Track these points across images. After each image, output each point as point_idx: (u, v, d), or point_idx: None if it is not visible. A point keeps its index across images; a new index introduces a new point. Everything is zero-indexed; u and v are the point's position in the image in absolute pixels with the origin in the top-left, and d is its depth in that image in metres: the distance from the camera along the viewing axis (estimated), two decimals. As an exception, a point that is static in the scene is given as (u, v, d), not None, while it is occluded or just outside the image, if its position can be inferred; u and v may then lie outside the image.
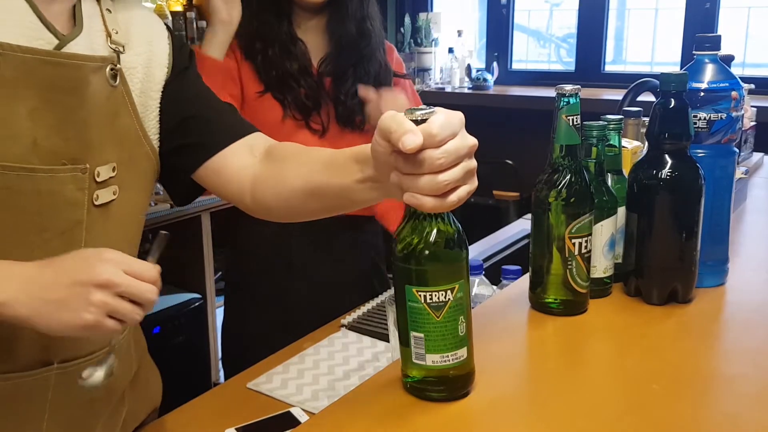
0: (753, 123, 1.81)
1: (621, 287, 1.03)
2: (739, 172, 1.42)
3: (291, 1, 1.44)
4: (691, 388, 0.79)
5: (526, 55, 3.89)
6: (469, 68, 3.56)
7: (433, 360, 0.72)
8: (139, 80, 0.91)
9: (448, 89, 3.57)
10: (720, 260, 1.06)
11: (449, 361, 0.72)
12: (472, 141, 0.67)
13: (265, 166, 0.93)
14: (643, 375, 0.80)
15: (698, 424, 0.72)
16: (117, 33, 0.89)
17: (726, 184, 1.04)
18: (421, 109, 0.65)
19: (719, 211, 1.04)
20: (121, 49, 0.89)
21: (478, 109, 2.80)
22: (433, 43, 3.70)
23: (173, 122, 0.95)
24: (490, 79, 3.50)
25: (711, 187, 0.98)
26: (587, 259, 0.94)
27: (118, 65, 0.88)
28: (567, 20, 3.80)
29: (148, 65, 0.93)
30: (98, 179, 0.85)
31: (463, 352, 0.73)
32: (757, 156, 1.93)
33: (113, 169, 0.87)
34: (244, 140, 0.97)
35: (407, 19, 3.70)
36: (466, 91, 3.51)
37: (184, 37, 3.03)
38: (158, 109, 0.94)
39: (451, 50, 3.64)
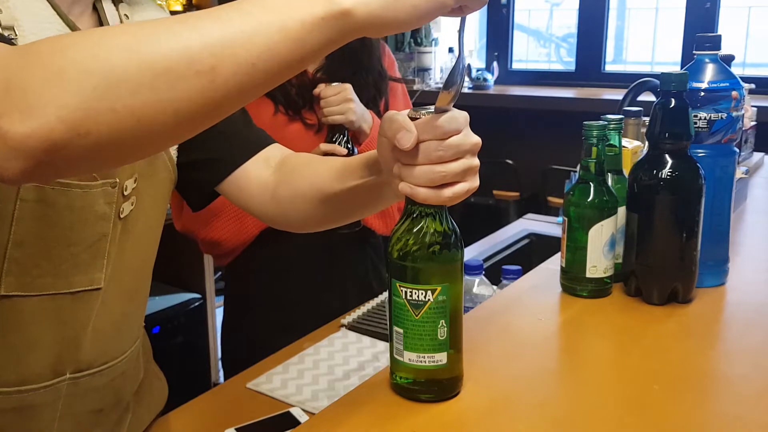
0: (753, 123, 1.80)
1: (621, 287, 1.02)
2: (739, 172, 1.42)
3: None
4: (691, 388, 0.78)
5: (526, 54, 3.89)
6: (469, 68, 3.56)
7: (409, 358, 0.73)
8: None
9: (448, 89, 3.56)
10: (720, 260, 1.06)
11: (425, 362, 0.72)
12: (476, 139, 0.68)
13: (280, 177, 0.94)
14: (643, 375, 0.80)
15: (698, 424, 0.72)
16: None
17: (726, 184, 1.03)
18: (427, 109, 0.68)
19: (719, 211, 1.04)
20: None
21: (478, 109, 2.79)
22: (433, 42, 3.69)
23: None
24: (490, 78, 3.50)
25: (711, 187, 0.98)
26: None
27: None
28: (567, 20, 3.80)
29: None
30: (125, 193, 0.85)
31: (442, 357, 0.72)
32: (757, 156, 1.93)
33: (135, 180, 0.87)
34: (262, 153, 0.97)
35: (407, 19, 3.70)
36: (466, 91, 3.51)
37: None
38: None
39: (451, 50, 3.64)
